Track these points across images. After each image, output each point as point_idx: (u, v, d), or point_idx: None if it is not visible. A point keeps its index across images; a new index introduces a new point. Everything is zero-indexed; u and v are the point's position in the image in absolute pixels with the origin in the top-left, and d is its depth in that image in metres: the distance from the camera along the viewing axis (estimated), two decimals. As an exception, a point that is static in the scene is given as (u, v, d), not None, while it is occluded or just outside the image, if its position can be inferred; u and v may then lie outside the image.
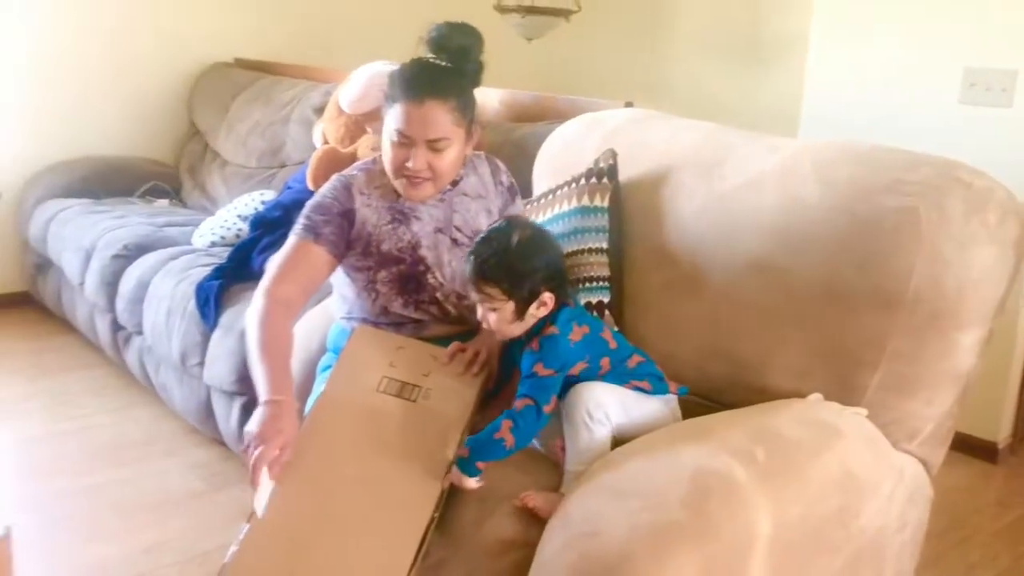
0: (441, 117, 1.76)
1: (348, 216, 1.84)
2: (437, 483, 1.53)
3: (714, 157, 2.01)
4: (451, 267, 1.88)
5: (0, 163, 4.01)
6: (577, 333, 1.63)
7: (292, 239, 1.85)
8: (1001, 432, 3.16)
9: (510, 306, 1.60)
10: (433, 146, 1.77)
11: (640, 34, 4.92)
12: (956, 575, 2.46)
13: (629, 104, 2.77)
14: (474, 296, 1.65)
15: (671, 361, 1.88)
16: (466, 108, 1.81)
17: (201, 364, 2.77)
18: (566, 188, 2.15)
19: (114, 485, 2.62)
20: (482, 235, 1.68)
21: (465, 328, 1.90)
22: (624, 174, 2.10)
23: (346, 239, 1.84)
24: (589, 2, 4.52)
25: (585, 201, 2.07)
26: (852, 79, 3.34)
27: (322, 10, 4.60)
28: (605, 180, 2.08)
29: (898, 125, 3.18)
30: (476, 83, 1.86)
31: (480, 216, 1.93)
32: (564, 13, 4.38)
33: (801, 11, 3.70)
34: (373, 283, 1.85)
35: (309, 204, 1.87)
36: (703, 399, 1.88)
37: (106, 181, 4.04)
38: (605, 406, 1.59)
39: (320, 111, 3.38)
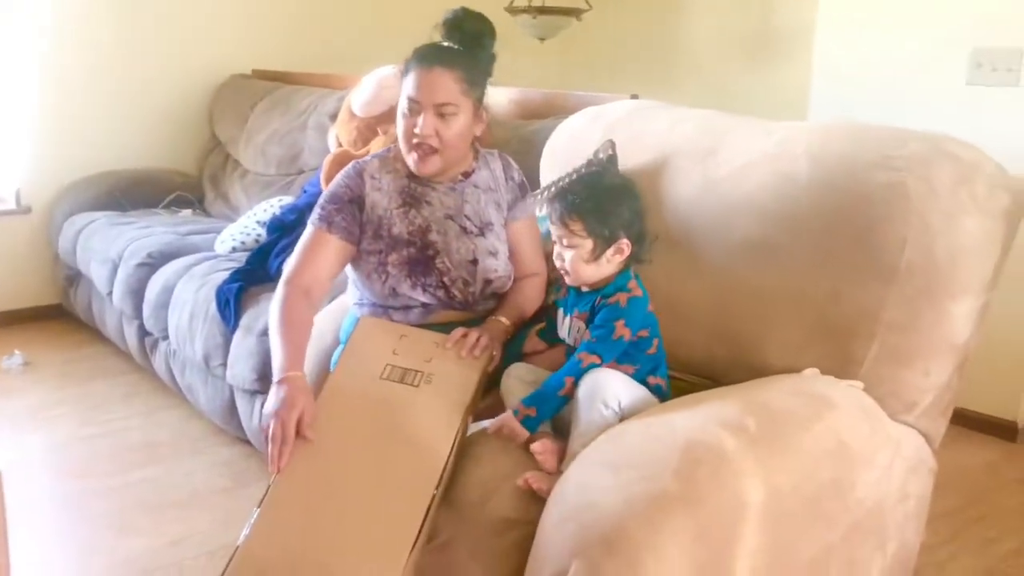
0: (449, 83, 1.84)
1: (358, 202, 1.93)
2: (439, 463, 1.58)
3: (711, 143, 2.04)
4: (459, 254, 1.93)
5: (28, 179, 4.13)
6: (650, 303, 1.71)
7: (309, 228, 1.95)
8: (1021, 412, 3.16)
9: (589, 244, 1.66)
10: (440, 111, 1.85)
11: (650, 30, 4.95)
12: (973, 550, 2.47)
13: (635, 97, 2.81)
14: (556, 232, 1.70)
15: (678, 346, 1.92)
16: (475, 84, 1.89)
17: (224, 365, 2.84)
18: (567, 179, 2.19)
19: (143, 484, 2.70)
20: (576, 174, 1.77)
21: (471, 316, 1.96)
22: (624, 163, 2.13)
23: (359, 225, 1.93)
24: (600, 0, 4.57)
25: (585, 191, 2.11)
26: (859, 67, 3.36)
27: (335, 20, 4.68)
28: (605, 169, 2.12)
29: (906, 110, 3.19)
30: (488, 72, 1.94)
31: (490, 208, 1.99)
32: (575, 12, 4.43)
33: (808, 2, 3.72)
34: (384, 265, 1.91)
35: (324, 193, 1.97)
36: (709, 380, 1.92)
37: (131, 193, 4.15)
38: (620, 397, 1.63)
39: (335, 117, 3.46)
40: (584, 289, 1.73)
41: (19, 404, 3.30)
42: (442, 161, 1.90)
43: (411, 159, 1.91)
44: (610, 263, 1.69)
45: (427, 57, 1.85)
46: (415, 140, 1.87)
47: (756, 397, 1.63)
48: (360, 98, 3.04)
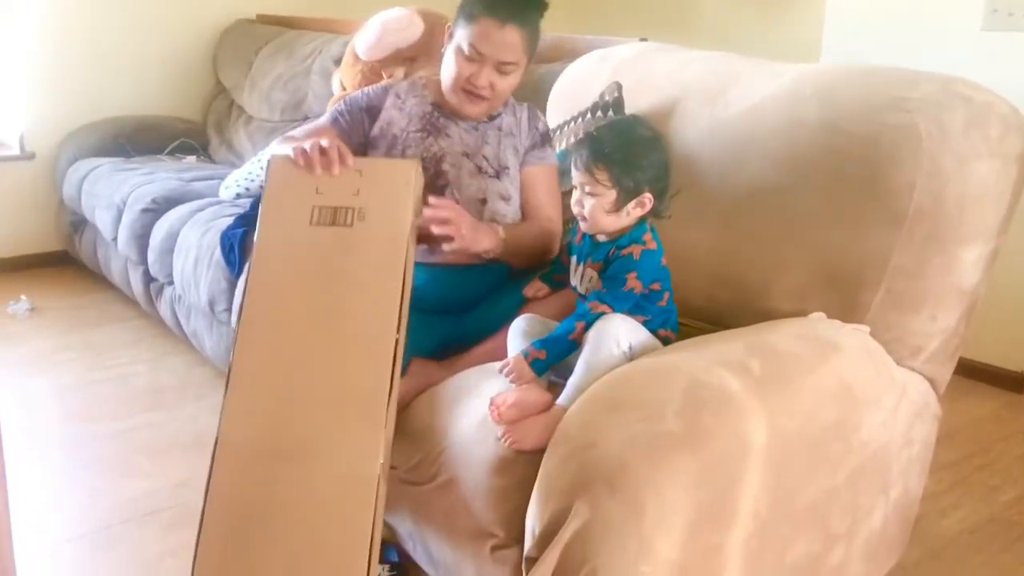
0: (517, 42, 1.83)
1: (371, 112, 1.96)
2: (394, 305, 1.52)
3: (719, 85, 2.01)
4: (469, 190, 1.92)
5: (32, 126, 4.10)
6: (664, 256, 1.69)
7: (323, 118, 2.01)
8: (1028, 363, 3.15)
9: (612, 195, 1.63)
10: (502, 68, 1.85)
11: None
12: (977, 496, 2.47)
13: (644, 40, 2.76)
14: (577, 178, 1.67)
15: (681, 289, 1.90)
16: (534, 41, 1.88)
17: (228, 310, 2.84)
18: (573, 123, 2.17)
19: (147, 428, 2.71)
20: (606, 122, 1.73)
21: (477, 261, 1.94)
22: (631, 106, 2.11)
23: (363, 132, 1.96)
24: (609, -55, 4.48)
25: (591, 133, 2.08)
26: (872, 11, 3.29)
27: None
28: (611, 113, 2.09)
29: (919, 56, 3.14)
30: (540, 17, 1.91)
31: (508, 152, 1.98)
32: (584, -43, 4.34)
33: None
34: None
35: (348, 97, 2.00)
36: (711, 325, 1.90)
37: (136, 139, 4.12)
38: (631, 339, 1.61)
39: (339, 61, 3.41)
40: (600, 238, 1.70)
41: (25, 349, 3.30)
42: (488, 108, 1.92)
43: (456, 98, 1.91)
44: (630, 216, 1.66)
45: (500, 8, 1.81)
46: (468, 88, 1.86)
47: (761, 340, 1.62)
48: (365, 42, 2.99)
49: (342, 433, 1.47)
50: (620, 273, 1.64)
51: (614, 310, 1.62)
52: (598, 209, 1.65)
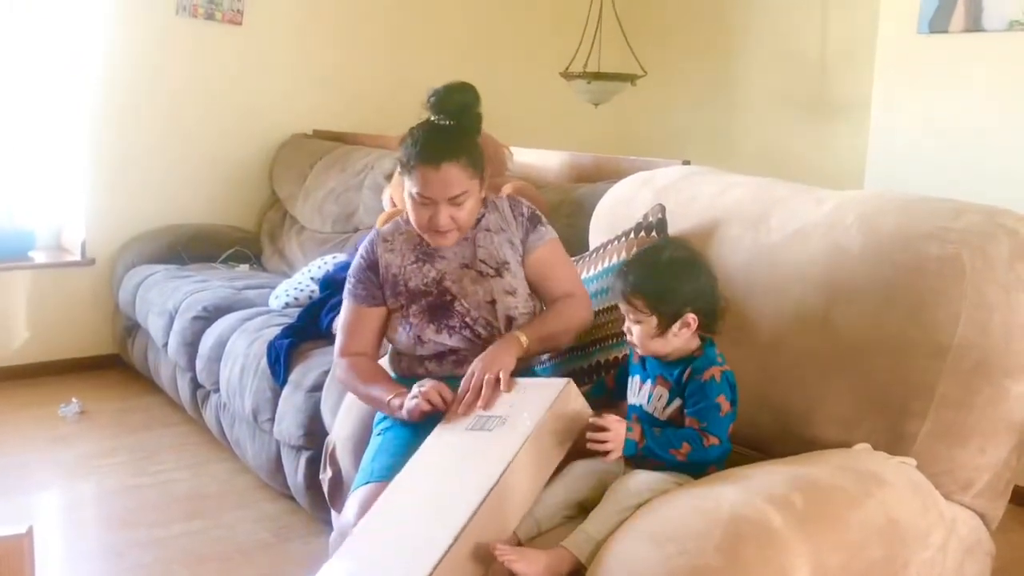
0: (458, 176, 1.88)
1: (373, 268, 2.03)
2: (468, 504, 1.54)
3: (761, 210, 2.04)
4: (477, 296, 1.97)
5: (93, 232, 4.26)
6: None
7: (345, 302, 2.07)
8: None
9: (653, 320, 1.67)
10: (454, 202, 1.90)
11: (706, 95, 4.96)
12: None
13: (686, 162, 2.82)
14: (622, 307, 1.72)
15: (722, 413, 1.89)
16: (476, 161, 1.93)
17: (271, 420, 2.86)
18: (616, 242, 2.20)
19: (186, 536, 2.72)
20: (638, 251, 1.81)
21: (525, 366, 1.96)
22: (673, 228, 2.14)
23: (379, 287, 2.02)
24: (655, 66, 4.60)
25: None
26: (916, 134, 3.32)
27: (395, 82, 4.76)
28: (654, 234, 2.12)
29: (965, 180, 3.14)
30: (478, 133, 1.98)
31: (504, 247, 2.02)
32: (630, 78, 4.46)
33: (864, 71, 3.70)
34: (407, 317, 1.98)
35: (351, 267, 2.08)
36: (753, 450, 1.88)
37: (191, 247, 4.25)
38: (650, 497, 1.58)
39: (390, 176, 3.51)
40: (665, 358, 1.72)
41: (73, 452, 3.35)
42: (459, 235, 1.97)
43: (427, 237, 1.97)
44: (678, 336, 1.69)
45: (431, 154, 1.87)
46: (432, 228, 1.92)
47: (804, 472, 1.59)
48: (415, 159, 3.08)
49: None
50: (710, 397, 1.65)
51: (721, 439, 1.64)
52: (644, 335, 1.69)
